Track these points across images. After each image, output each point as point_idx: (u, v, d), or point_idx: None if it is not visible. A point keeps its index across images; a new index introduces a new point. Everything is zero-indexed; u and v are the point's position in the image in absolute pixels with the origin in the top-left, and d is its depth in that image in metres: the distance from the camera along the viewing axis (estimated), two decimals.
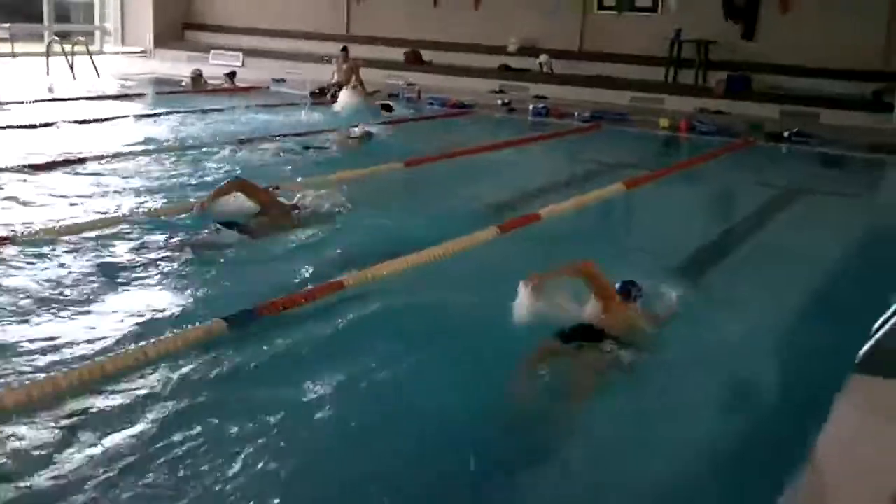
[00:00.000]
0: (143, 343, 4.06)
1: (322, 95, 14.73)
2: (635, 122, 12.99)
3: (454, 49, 17.90)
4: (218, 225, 5.92)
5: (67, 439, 3.31)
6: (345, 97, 13.16)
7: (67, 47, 15.61)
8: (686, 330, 4.52)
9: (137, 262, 5.32)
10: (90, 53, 15.73)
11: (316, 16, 19.68)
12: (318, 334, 4.46)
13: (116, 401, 3.63)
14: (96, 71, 15.54)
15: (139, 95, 13.39)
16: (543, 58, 16.71)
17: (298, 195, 6.55)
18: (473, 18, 17.67)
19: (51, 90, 13.74)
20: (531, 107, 13.68)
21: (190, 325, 4.29)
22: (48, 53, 15.56)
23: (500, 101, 14.23)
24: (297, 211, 6.33)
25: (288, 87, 15.72)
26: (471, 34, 17.78)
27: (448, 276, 5.36)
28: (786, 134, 11.86)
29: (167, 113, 11.77)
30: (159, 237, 5.74)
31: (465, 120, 13.22)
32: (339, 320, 4.62)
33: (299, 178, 7.61)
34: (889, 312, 4.64)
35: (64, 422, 3.43)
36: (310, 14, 19.67)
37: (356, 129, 10.13)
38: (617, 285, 4.59)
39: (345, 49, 15.29)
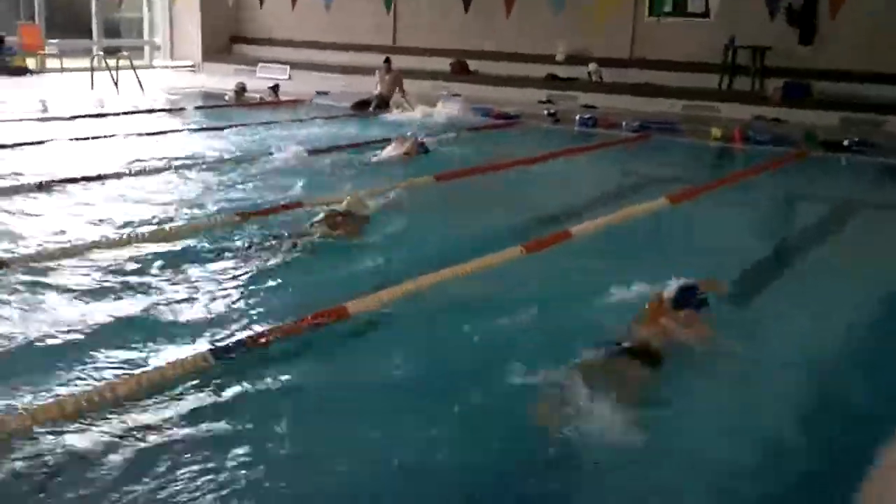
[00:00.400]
0: (135, 372, 3.87)
1: (365, 107, 14.50)
2: (686, 132, 12.47)
3: (501, 59, 17.58)
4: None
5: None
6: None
7: (112, 62, 15.62)
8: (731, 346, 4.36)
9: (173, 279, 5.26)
10: (134, 68, 15.71)
11: (363, 28, 19.50)
12: (313, 369, 4.20)
13: (99, 434, 3.43)
14: (140, 85, 15.52)
15: (180, 110, 13.28)
16: (592, 66, 16.28)
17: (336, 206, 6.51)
18: (521, 27, 17.27)
19: (96, 104, 13.72)
20: (578, 117, 13.25)
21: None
22: (92, 68, 15.60)
23: (546, 112, 13.84)
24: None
25: (331, 99, 15.52)
26: (518, 43, 17.44)
27: (463, 298, 5.03)
28: (845, 143, 11.24)
29: (209, 128, 11.67)
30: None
31: (512, 131, 12.85)
32: (340, 352, 4.36)
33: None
34: None
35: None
36: (357, 26, 19.49)
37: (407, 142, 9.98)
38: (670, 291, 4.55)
39: (387, 60, 15.04)
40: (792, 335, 4.69)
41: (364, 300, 4.73)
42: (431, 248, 6.13)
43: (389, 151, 9.93)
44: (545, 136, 12.63)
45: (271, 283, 5.24)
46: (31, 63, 17.87)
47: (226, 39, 21.19)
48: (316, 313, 4.50)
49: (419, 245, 6.20)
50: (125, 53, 16.09)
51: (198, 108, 13.86)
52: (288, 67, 19.27)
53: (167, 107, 13.67)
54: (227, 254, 5.72)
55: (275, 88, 15.56)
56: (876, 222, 8.15)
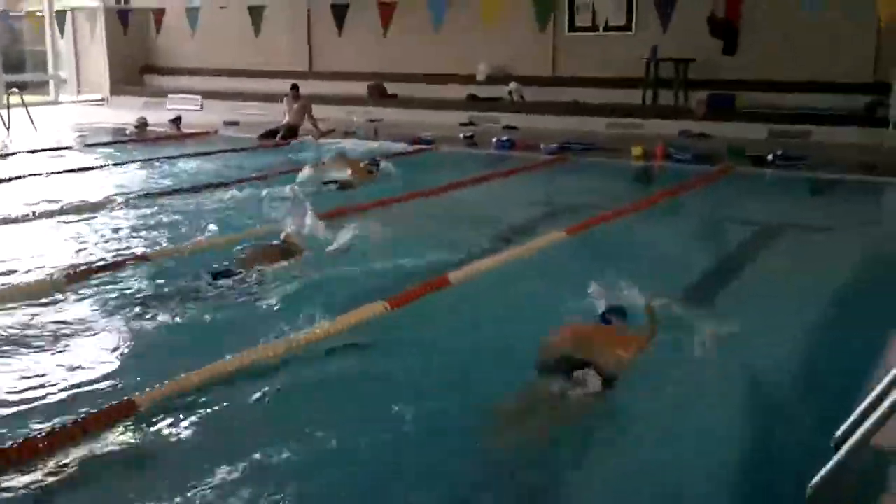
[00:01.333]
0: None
1: (271, 137, 13.69)
2: (606, 152, 11.84)
3: (421, 80, 16.88)
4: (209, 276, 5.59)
5: None
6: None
7: (7, 99, 14.68)
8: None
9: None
10: (25, 104, 14.74)
11: (278, 53, 18.70)
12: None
13: None
14: (32, 123, 14.54)
15: (66, 148, 12.33)
16: (513, 85, 15.65)
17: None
18: (440, 47, 16.59)
19: None
20: (494, 139, 12.56)
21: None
22: None
23: (462, 135, 13.12)
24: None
25: (240, 130, 14.66)
26: (438, 64, 16.76)
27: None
28: (769, 157, 10.67)
29: (98, 167, 10.82)
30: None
31: (421, 158, 12.10)
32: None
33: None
34: (870, 397, 3.48)
35: None
36: (272, 52, 18.68)
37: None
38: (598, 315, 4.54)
39: (294, 87, 14.25)
40: (725, 350, 4.42)
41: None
42: None
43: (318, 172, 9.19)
44: (458, 161, 11.89)
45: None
46: None
47: (135, 70, 20.22)
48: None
49: None
50: (14, 90, 15.08)
51: (89, 145, 12.88)
52: (199, 98, 18.38)
53: (58, 145, 12.67)
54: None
55: (176, 121, 14.69)
56: (800, 242, 7.50)
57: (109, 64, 19.49)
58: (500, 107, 15.38)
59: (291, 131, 13.81)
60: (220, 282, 5.48)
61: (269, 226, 7.01)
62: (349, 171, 9.56)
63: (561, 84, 15.65)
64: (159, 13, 17.38)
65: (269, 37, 18.48)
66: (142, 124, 14.47)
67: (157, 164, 11.25)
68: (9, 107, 14.65)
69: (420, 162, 11.73)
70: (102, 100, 19.62)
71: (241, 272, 5.63)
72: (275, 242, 6.27)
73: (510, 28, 15.70)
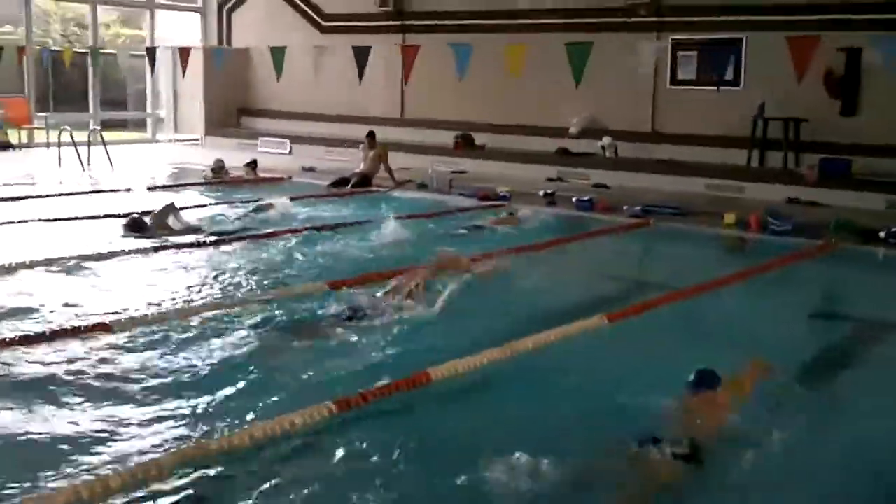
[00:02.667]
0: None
1: (342, 185, 13.06)
2: (695, 218, 10.66)
3: (512, 132, 16.03)
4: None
5: None
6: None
7: (94, 137, 14.66)
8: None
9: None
10: (104, 143, 14.60)
11: (371, 99, 18.21)
12: None
13: None
14: (110, 162, 14.36)
15: (126, 191, 11.98)
16: (606, 140, 14.60)
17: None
18: (534, 97, 15.76)
19: (48, 182, 12.60)
20: (574, 199, 11.55)
21: None
22: (59, 144, 14.59)
23: (541, 192, 12.15)
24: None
25: (314, 176, 14.10)
26: (531, 115, 15.88)
27: None
28: (882, 234, 9.29)
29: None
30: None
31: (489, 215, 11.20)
32: None
33: None
34: None
35: None
36: (365, 98, 18.22)
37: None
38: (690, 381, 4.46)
39: (370, 134, 13.62)
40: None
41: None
42: None
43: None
44: (528, 221, 10.93)
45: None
46: (16, 137, 16.97)
47: (233, 112, 20.10)
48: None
49: None
50: (96, 128, 15.00)
51: (152, 188, 12.50)
52: (288, 142, 18.03)
53: (117, 187, 12.33)
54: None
55: (252, 164, 14.24)
56: None
57: (205, 104, 19.40)
58: (591, 162, 14.35)
59: (365, 180, 13.16)
60: (352, 322, 5.78)
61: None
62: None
63: (659, 140, 14.53)
64: (184, 61, 17.20)
65: (363, 83, 18.12)
66: (218, 167, 14.09)
67: (209, 208, 10.74)
68: (89, 144, 14.53)
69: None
70: (198, 140, 19.54)
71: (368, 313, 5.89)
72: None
73: (606, 80, 14.76)
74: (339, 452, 3.89)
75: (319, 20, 18.96)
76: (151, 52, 17.62)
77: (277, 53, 16.32)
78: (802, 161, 12.94)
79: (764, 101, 13.04)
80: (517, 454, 3.69)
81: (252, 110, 20.20)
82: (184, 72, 17.64)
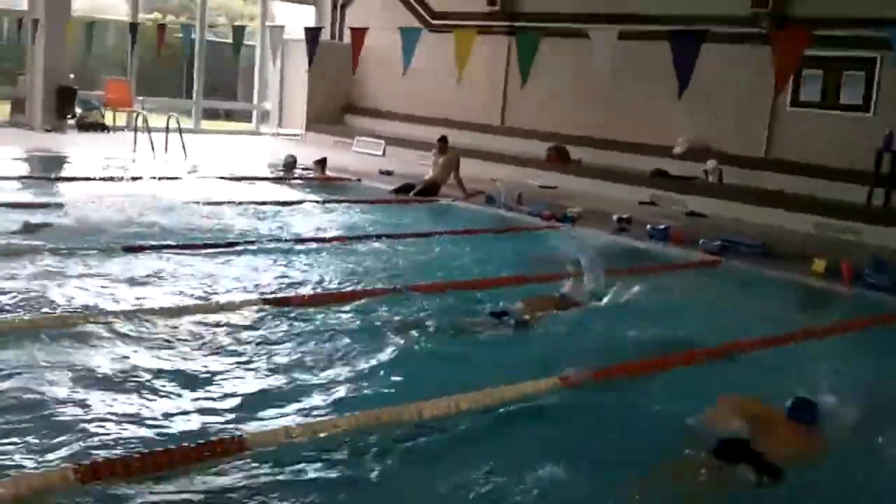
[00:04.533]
0: None
1: (406, 192, 12.12)
2: (780, 261, 9.07)
3: (613, 147, 14.66)
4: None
5: None
6: None
7: (165, 124, 14.31)
8: None
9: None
10: (181, 131, 14.23)
11: (473, 105, 17.22)
12: None
13: None
14: (184, 150, 13.97)
15: (176, 179, 11.50)
16: (710, 164, 13.03)
17: None
18: (641, 111, 14.37)
19: (103, 167, 12.29)
20: (648, 227, 10.15)
21: None
22: (135, 128, 14.34)
23: (615, 217, 10.77)
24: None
25: (388, 181, 13.20)
26: (636, 131, 14.47)
27: None
28: None
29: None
30: None
31: (544, 236, 10.03)
32: None
33: None
34: None
35: None
36: (467, 103, 17.25)
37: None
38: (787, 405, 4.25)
39: (442, 139, 12.60)
40: None
41: None
42: None
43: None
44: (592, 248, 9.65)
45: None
46: (119, 120, 16.94)
47: (337, 108, 19.52)
48: None
49: None
50: (173, 114, 14.64)
51: (203, 176, 11.94)
52: (383, 143, 17.25)
53: (173, 175, 11.87)
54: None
55: (321, 163, 13.50)
56: None
57: (308, 99, 18.91)
58: (690, 187, 12.83)
59: (432, 188, 12.16)
60: (501, 319, 5.83)
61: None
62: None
63: (772, 168, 12.83)
64: (358, 44, 15.98)
65: (467, 87, 17.17)
66: (289, 163, 13.47)
67: (249, 207, 10.03)
68: (167, 131, 14.20)
69: (537, 240, 9.67)
70: (299, 135, 19.08)
71: (516, 314, 5.91)
72: (555, 294, 6.46)
73: (720, 96, 13.22)
74: None
75: (428, 17, 18.10)
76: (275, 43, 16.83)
77: (408, 40, 14.77)
78: None
79: (893, 130, 11.21)
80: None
81: (356, 108, 19.59)
82: (310, 62, 16.74)
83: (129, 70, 17.62)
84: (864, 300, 7.81)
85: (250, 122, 20.26)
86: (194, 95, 18.49)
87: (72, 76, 16.39)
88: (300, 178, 13.08)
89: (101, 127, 16.45)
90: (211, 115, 20.37)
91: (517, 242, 9.70)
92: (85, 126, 16.34)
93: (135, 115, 15.74)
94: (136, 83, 17.62)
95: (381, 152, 17.11)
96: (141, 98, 17.21)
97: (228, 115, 20.67)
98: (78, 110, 16.51)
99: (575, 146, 14.92)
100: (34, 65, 16.17)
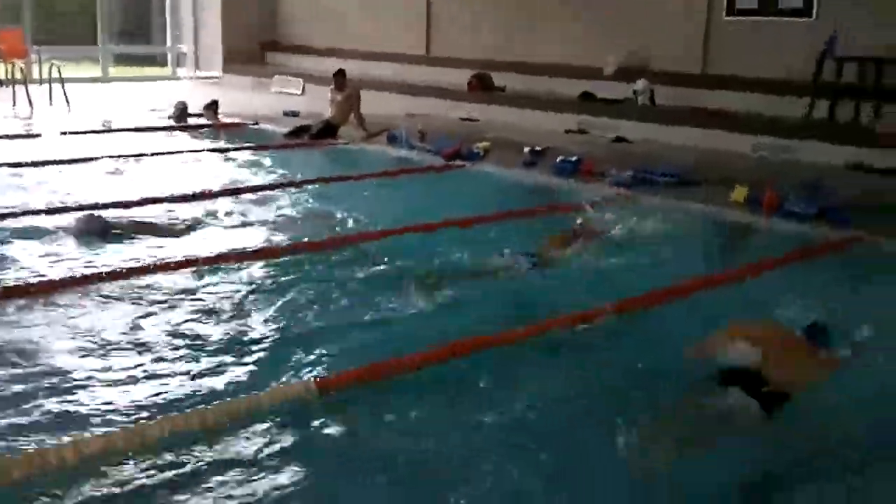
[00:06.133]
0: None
1: (300, 135, 10.92)
2: (698, 191, 7.94)
3: (539, 72, 13.41)
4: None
5: None
6: None
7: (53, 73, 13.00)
8: None
9: None
10: (62, 80, 12.91)
11: (397, 35, 15.92)
12: None
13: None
14: (67, 102, 12.69)
15: (35, 136, 10.26)
16: (640, 84, 11.81)
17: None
18: (570, 33, 13.13)
19: None
20: (557, 159, 8.98)
21: None
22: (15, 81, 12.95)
23: (526, 150, 9.59)
24: None
25: (290, 122, 11.92)
26: (564, 53, 13.23)
27: None
28: None
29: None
30: None
31: (443, 176, 8.89)
32: None
33: None
34: None
35: None
36: (391, 34, 15.94)
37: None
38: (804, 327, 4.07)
39: (340, 73, 11.33)
40: None
41: None
42: None
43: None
44: (485, 184, 8.54)
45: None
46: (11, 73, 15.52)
47: (255, 46, 18.12)
48: None
49: None
50: (56, 62, 13.30)
51: (65, 133, 10.64)
52: (301, 81, 15.94)
53: (31, 132, 10.63)
54: None
55: (212, 107, 12.20)
56: None
57: (223, 38, 17.52)
58: (620, 111, 11.62)
59: (329, 129, 10.94)
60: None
61: None
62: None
63: (708, 85, 11.63)
64: None
65: (387, 14, 15.90)
66: (180, 110, 12.17)
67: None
68: (50, 82, 12.89)
69: (429, 183, 8.55)
70: (218, 78, 17.73)
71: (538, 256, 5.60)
72: (574, 226, 6.14)
73: (652, 8, 11.98)
74: None
75: None
76: None
77: None
78: (884, 117, 9.89)
79: (836, 33, 9.99)
80: None
81: (277, 45, 18.20)
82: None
83: (25, 17, 16.13)
84: (787, 230, 6.73)
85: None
86: (99, 41, 17.05)
87: None
88: (186, 126, 11.80)
89: None
90: (132, 61, 19.00)
91: (408, 187, 8.56)
92: None
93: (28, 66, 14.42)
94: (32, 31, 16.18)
95: (300, 91, 15.81)
96: (37, 47, 15.75)
97: (150, 60, 19.18)
98: None
99: (502, 73, 13.66)
100: None
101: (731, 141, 10.22)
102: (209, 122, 11.96)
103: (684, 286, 5.23)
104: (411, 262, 5.51)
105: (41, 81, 14.14)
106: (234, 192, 7.68)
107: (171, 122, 11.98)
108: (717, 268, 5.81)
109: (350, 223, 6.67)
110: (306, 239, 6.14)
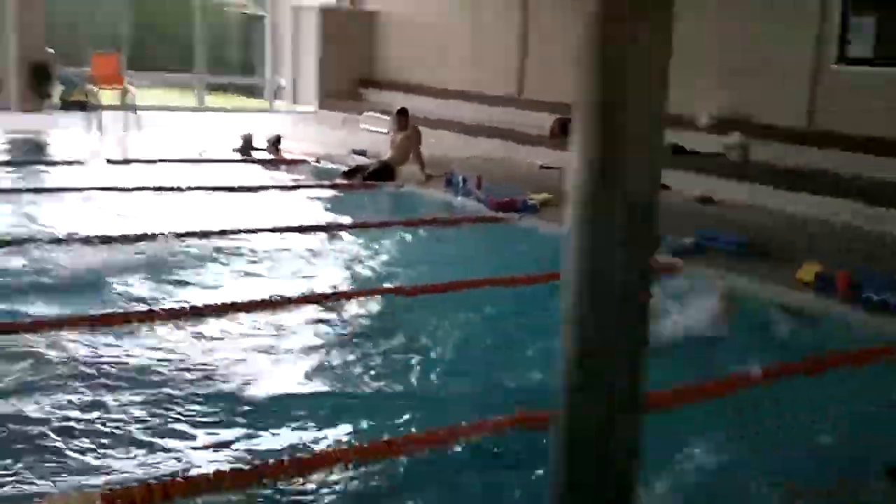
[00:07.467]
0: None
1: (351, 176, 10.30)
2: (764, 264, 6.80)
3: None
4: None
5: None
6: None
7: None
8: None
9: None
10: (135, 108, 12.82)
11: (490, 76, 15.24)
12: None
13: None
14: (138, 128, 12.55)
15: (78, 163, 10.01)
16: (734, 138, 10.63)
17: None
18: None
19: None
20: None
21: None
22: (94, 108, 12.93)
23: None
24: None
25: (355, 161, 11.36)
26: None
27: None
28: None
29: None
30: None
31: (476, 227, 8.07)
32: None
33: None
34: None
35: None
36: (484, 74, 15.27)
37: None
38: None
39: (402, 112, 10.69)
40: None
41: None
42: None
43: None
44: (510, 248, 7.64)
45: None
46: (107, 97, 15.64)
47: (353, 82, 17.75)
48: None
49: None
50: (129, 88, 13.22)
51: (113, 161, 10.35)
52: (389, 119, 15.36)
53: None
54: None
55: (274, 142, 11.78)
56: None
57: (320, 72, 17.22)
58: (708, 166, 10.46)
59: (386, 171, 10.28)
60: None
61: None
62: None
63: (812, 142, 10.35)
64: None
65: (481, 55, 15.26)
66: (246, 143, 11.82)
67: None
68: (125, 109, 12.80)
69: (454, 235, 7.75)
70: (314, 112, 17.46)
71: None
72: None
73: (751, 54, 10.84)
74: None
75: None
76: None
77: None
78: None
79: None
80: None
81: (373, 81, 17.79)
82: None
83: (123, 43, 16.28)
84: (863, 322, 5.55)
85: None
86: (196, 69, 17.06)
87: (50, 50, 15.21)
88: (249, 159, 11.41)
89: (81, 105, 15.17)
90: (232, 90, 19.04)
91: (439, 238, 7.77)
92: (66, 105, 15.14)
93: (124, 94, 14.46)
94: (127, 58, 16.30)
95: (387, 130, 15.26)
96: (131, 73, 15.82)
97: (251, 92, 19.14)
98: (61, 88, 15.33)
99: None
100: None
101: (822, 206, 8.94)
102: (271, 157, 11.52)
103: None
104: None
105: (125, 108, 14.15)
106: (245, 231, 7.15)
107: (237, 154, 11.64)
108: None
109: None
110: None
